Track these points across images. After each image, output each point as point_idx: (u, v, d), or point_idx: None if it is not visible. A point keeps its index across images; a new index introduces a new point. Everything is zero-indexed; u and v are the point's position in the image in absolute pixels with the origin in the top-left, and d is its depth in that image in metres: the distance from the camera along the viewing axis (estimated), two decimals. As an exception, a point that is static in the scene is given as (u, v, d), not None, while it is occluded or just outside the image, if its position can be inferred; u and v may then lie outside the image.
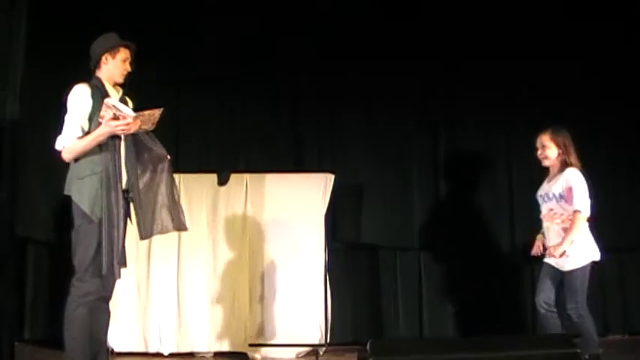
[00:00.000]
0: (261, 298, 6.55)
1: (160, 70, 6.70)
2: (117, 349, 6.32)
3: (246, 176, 6.70)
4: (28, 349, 6.29)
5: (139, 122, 4.36)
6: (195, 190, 6.60)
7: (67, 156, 4.42)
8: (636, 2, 6.83)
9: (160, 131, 4.58)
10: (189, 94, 6.97)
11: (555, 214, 5.26)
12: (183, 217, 4.67)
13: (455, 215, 7.05)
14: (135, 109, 4.46)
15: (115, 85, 4.61)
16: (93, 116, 4.40)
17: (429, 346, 4.82)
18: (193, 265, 6.56)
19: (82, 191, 4.36)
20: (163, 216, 4.58)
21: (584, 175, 5.26)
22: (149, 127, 4.45)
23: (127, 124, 4.32)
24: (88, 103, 4.43)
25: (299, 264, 6.55)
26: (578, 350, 4.28)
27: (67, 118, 4.43)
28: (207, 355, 6.54)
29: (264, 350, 6.47)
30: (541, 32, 7.03)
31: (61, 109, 4.48)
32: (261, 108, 7.10)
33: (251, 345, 6.43)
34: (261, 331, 6.52)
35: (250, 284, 6.55)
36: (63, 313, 4.39)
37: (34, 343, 6.51)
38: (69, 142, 4.40)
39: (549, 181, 5.39)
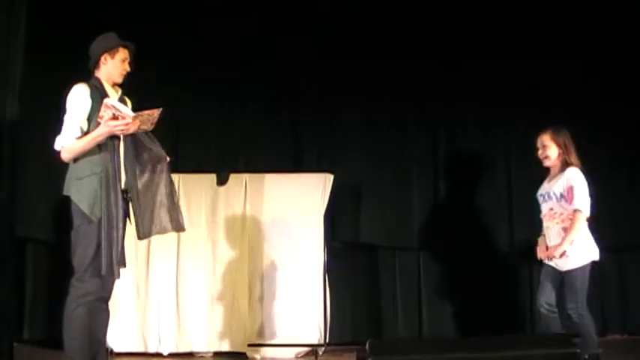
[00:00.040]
0: (261, 297, 6.56)
1: (160, 70, 6.71)
2: (116, 349, 6.31)
3: (246, 176, 6.70)
4: (27, 349, 6.28)
5: (138, 122, 4.35)
6: (195, 190, 6.61)
7: (66, 156, 4.41)
8: (636, 2, 6.82)
9: (159, 131, 4.57)
10: (189, 94, 6.98)
11: (555, 213, 5.25)
12: (182, 217, 4.65)
13: (454, 215, 7.06)
14: (135, 109, 4.45)
15: (114, 85, 4.59)
16: (92, 116, 4.38)
17: (428, 345, 4.82)
18: (192, 264, 6.56)
19: (82, 191, 4.35)
20: (162, 216, 4.57)
21: (584, 175, 5.26)
22: (148, 127, 4.43)
23: (126, 124, 4.31)
24: (87, 103, 4.41)
25: (298, 264, 6.56)
26: (578, 350, 4.28)
27: (66, 118, 4.41)
28: (206, 355, 6.54)
29: (264, 350, 6.48)
30: (541, 32, 7.03)
31: (60, 109, 4.46)
32: (261, 108, 7.11)
33: (250, 345, 6.44)
34: (260, 331, 6.52)
35: (249, 284, 6.55)
36: (62, 313, 4.37)
37: (33, 343, 6.50)
38: (68, 142, 4.38)
39: (550, 181, 5.38)
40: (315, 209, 6.59)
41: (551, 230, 5.28)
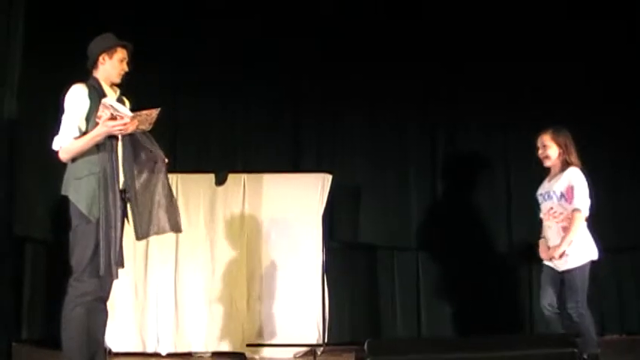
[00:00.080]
0: (259, 297, 6.56)
1: (162, 72, 6.76)
2: (114, 350, 6.31)
3: (244, 176, 6.70)
4: (26, 349, 6.27)
5: (136, 122, 4.35)
6: (193, 191, 6.60)
7: (64, 156, 4.41)
8: (639, 4, 6.80)
9: (158, 131, 4.57)
10: (191, 95, 6.99)
11: (555, 212, 5.25)
12: (179, 218, 4.66)
13: (452, 216, 7.06)
14: (136, 110, 4.44)
15: (113, 85, 4.60)
16: (90, 116, 4.39)
17: (427, 345, 4.82)
18: (191, 264, 6.56)
19: (80, 191, 4.35)
20: (160, 217, 4.57)
21: (585, 175, 5.25)
22: (146, 127, 4.43)
23: (125, 124, 4.31)
24: (85, 103, 4.41)
25: (297, 264, 6.56)
26: (576, 350, 4.27)
27: (64, 118, 4.42)
28: (205, 355, 6.54)
29: (262, 350, 6.47)
30: (543, 35, 7.02)
31: (58, 109, 4.47)
32: (263, 110, 7.13)
33: (249, 345, 6.44)
34: (258, 330, 6.52)
35: (248, 284, 6.55)
36: (60, 312, 4.38)
37: (32, 342, 6.49)
38: (66, 142, 4.38)
39: (550, 180, 5.39)
40: (314, 209, 6.59)
41: (551, 230, 5.29)
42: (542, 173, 5.48)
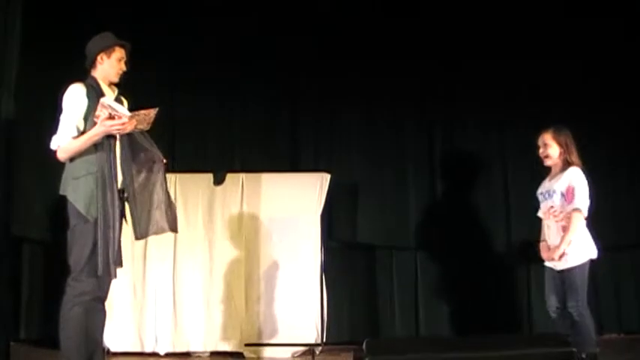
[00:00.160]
0: (258, 297, 6.56)
1: (159, 70, 6.75)
2: (113, 349, 6.32)
3: (242, 176, 6.69)
4: (24, 349, 6.27)
5: (134, 122, 4.34)
6: (191, 190, 6.59)
7: (62, 156, 4.40)
8: (636, 2, 6.81)
9: (156, 130, 4.56)
10: (188, 93, 6.98)
11: (555, 211, 5.24)
12: (176, 218, 4.65)
13: (451, 215, 7.06)
14: (134, 109, 4.43)
15: (111, 84, 4.59)
16: (88, 116, 4.38)
17: (425, 345, 4.84)
18: (189, 264, 6.56)
19: (78, 191, 4.34)
20: (158, 216, 4.56)
21: (585, 175, 5.25)
22: (145, 126, 4.43)
23: (123, 124, 4.30)
24: (83, 103, 4.40)
25: (295, 263, 6.56)
26: (574, 349, 4.28)
27: (62, 117, 4.41)
28: (203, 355, 6.53)
29: (261, 350, 6.47)
30: (541, 32, 7.01)
31: (56, 108, 4.45)
32: (260, 108, 7.12)
33: (247, 344, 6.44)
34: (257, 330, 6.52)
35: (246, 283, 6.54)
36: (58, 312, 4.37)
37: (30, 342, 6.49)
38: (64, 141, 4.37)
39: (551, 179, 5.38)
40: (312, 209, 6.59)
41: (551, 229, 5.28)
42: (542, 171, 5.48)
